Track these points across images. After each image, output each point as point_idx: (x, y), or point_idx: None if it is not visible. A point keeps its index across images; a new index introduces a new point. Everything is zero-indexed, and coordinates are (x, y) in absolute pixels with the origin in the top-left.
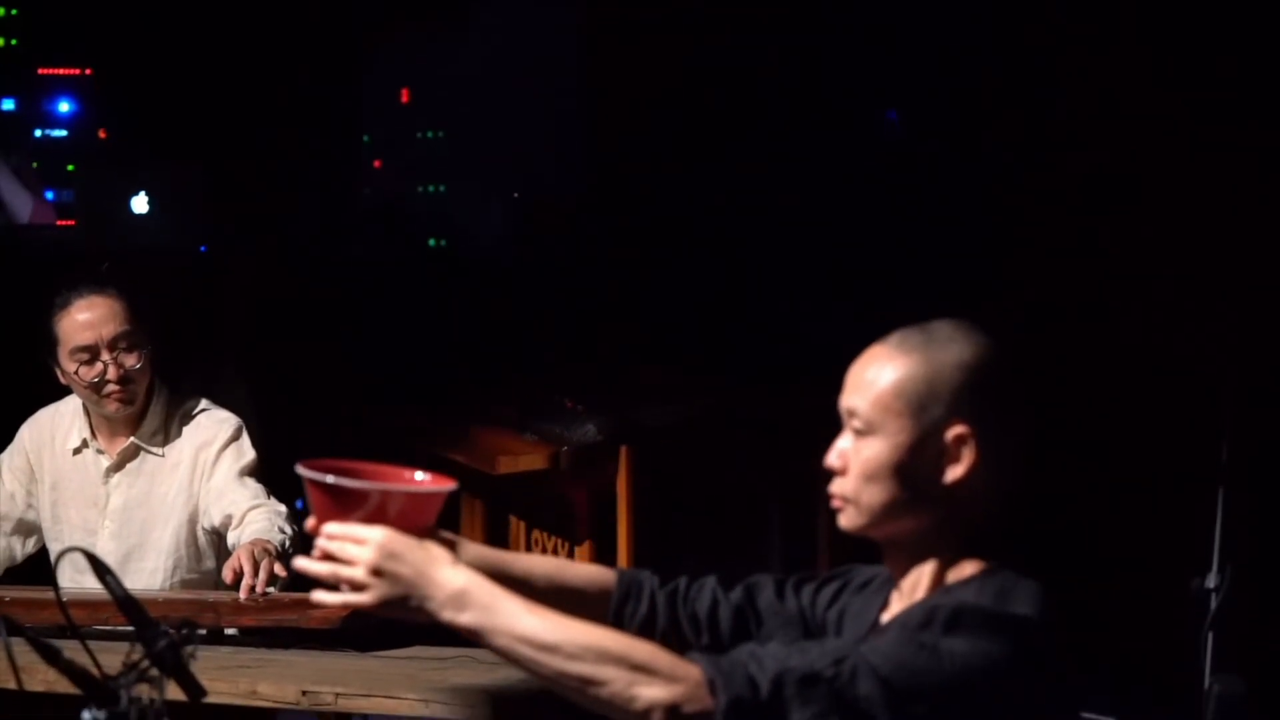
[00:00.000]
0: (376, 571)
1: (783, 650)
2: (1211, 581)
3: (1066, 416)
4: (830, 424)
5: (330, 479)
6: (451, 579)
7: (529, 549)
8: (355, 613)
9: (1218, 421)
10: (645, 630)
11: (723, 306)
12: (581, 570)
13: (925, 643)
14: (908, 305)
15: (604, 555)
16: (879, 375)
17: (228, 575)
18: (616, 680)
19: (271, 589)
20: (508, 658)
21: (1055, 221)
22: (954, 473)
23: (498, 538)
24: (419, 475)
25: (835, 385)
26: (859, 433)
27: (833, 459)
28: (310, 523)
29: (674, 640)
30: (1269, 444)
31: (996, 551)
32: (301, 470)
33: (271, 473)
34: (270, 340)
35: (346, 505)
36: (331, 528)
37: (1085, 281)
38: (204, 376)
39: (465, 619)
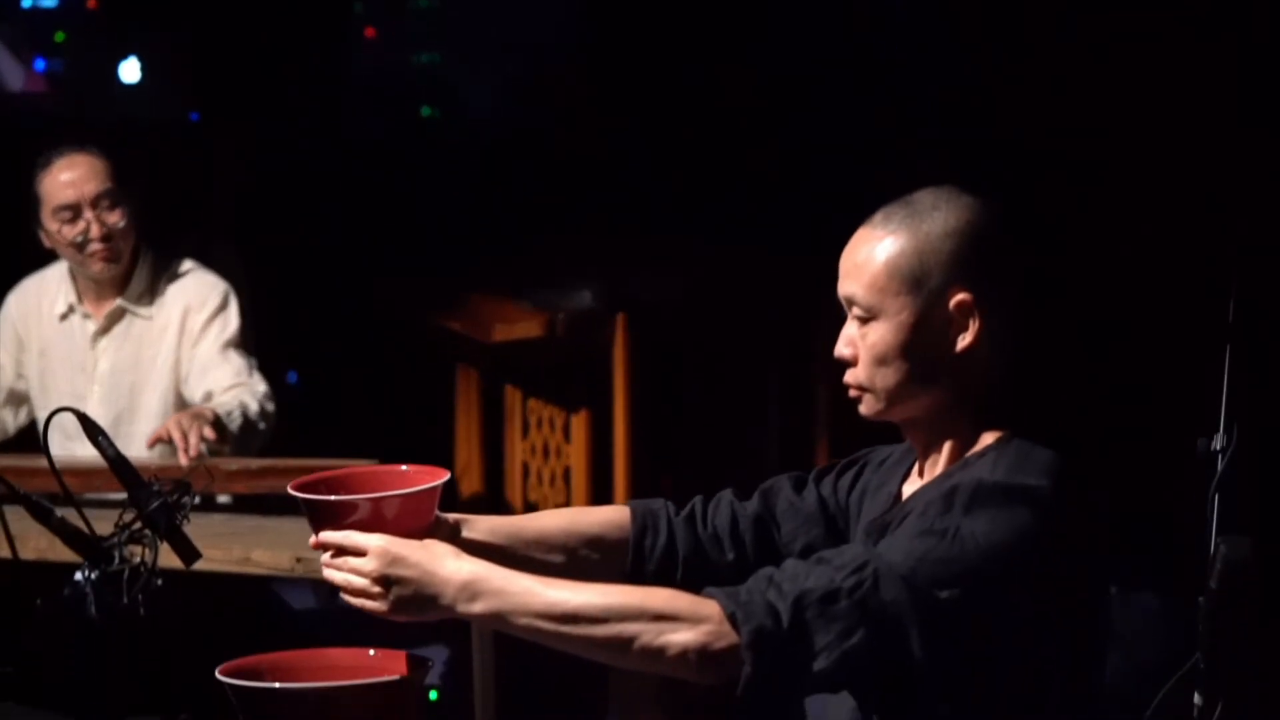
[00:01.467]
0: (382, 580)
1: (801, 569)
2: (1218, 443)
3: (1067, 278)
4: (829, 294)
5: (318, 498)
6: (457, 572)
7: (525, 418)
8: None
9: (1224, 280)
10: (668, 558)
11: (724, 176)
12: (596, 515)
13: (946, 529)
14: (909, 172)
15: (600, 424)
16: (869, 258)
17: (150, 441)
18: (643, 634)
19: (202, 457)
20: (532, 637)
21: (1055, 83)
22: (963, 341)
23: (493, 407)
24: (404, 468)
25: (834, 255)
26: (862, 319)
27: (842, 349)
28: (312, 540)
29: (697, 563)
30: (1277, 302)
31: (1011, 420)
32: (292, 491)
33: (261, 342)
34: (263, 210)
35: (341, 518)
36: (327, 536)
37: (1084, 137)
38: (196, 246)
39: (479, 608)
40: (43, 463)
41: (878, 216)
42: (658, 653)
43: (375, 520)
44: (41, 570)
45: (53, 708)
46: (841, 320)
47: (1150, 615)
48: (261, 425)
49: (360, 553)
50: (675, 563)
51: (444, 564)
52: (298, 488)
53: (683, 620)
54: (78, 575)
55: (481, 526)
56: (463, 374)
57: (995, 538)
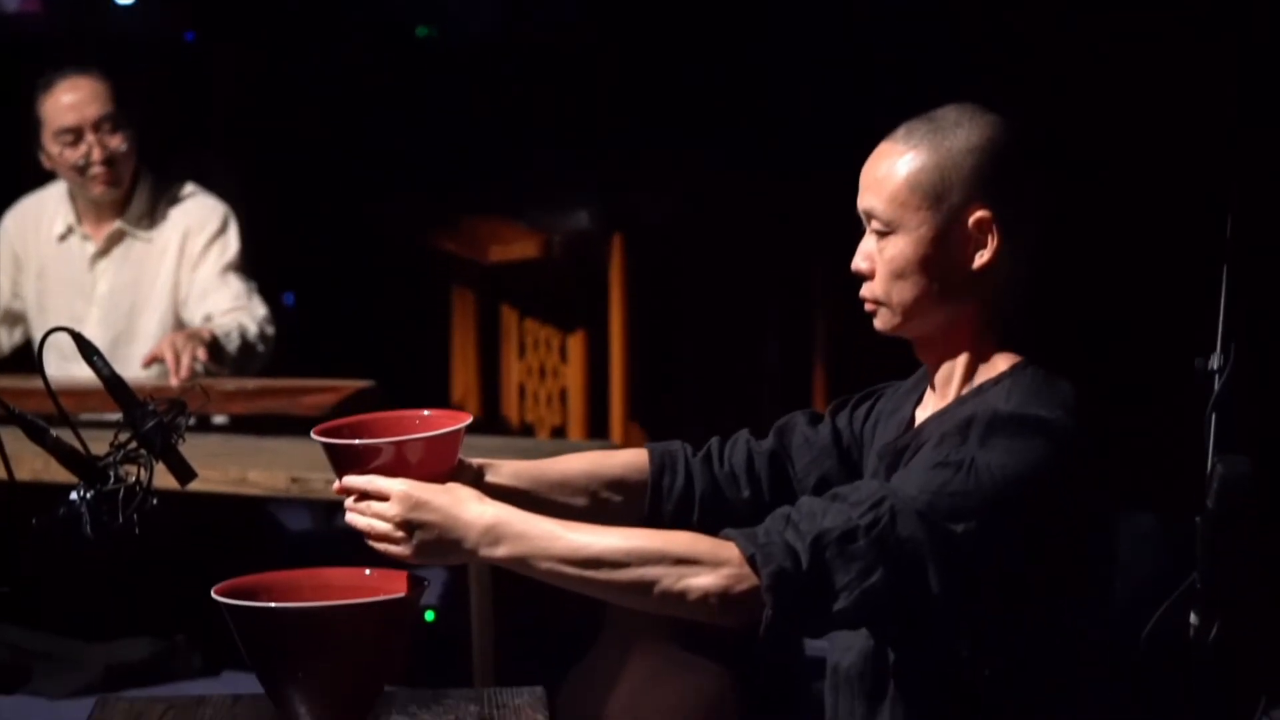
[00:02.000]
0: (405, 525)
1: (817, 506)
2: (1215, 362)
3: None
4: (829, 214)
5: (340, 441)
6: (480, 516)
7: (521, 339)
8: (343, 402)
9: (1222, 197)
10: (685, 498)
11: (722, 96)
12: (617, 458)
13: (961, 461)
14: (918, 95)
15: (596, 345)
16: (891, 171)
17: (144, 361)
18: (664, 578)
19: (195, 377)
20: (554, 581)
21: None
22: (981, 259)
23: (489, 328)
24: (426, 413)
25: (836, 177)
26: (880, 233)
27: (859, 263)
28: (335, 486)
29: (714, 502)
30: (1276, 220)
31: (1027, 346)
32: (315, 437)
33: (257, 263)
34: (258, 130)
35: (364, 463)
36: (350, 480)
37: (1081, 56)
38: (192, 167)
39: (501, 552)
40: (38, 383)
41: (900, 131)
42: (679, 597)
43: (398, 464)
44: (37, 491)
45: (49, 627)
46: (838, 239)
47: (1147, 535)
48: (260, 348)
49: (383, 497)
50: (693, 503)
51: (467, 508)
52: (320, 433)
53: (703, 564)
54: (73, 495)
55: (505, 471)
56: (459, 295)
57: (1010, 470)
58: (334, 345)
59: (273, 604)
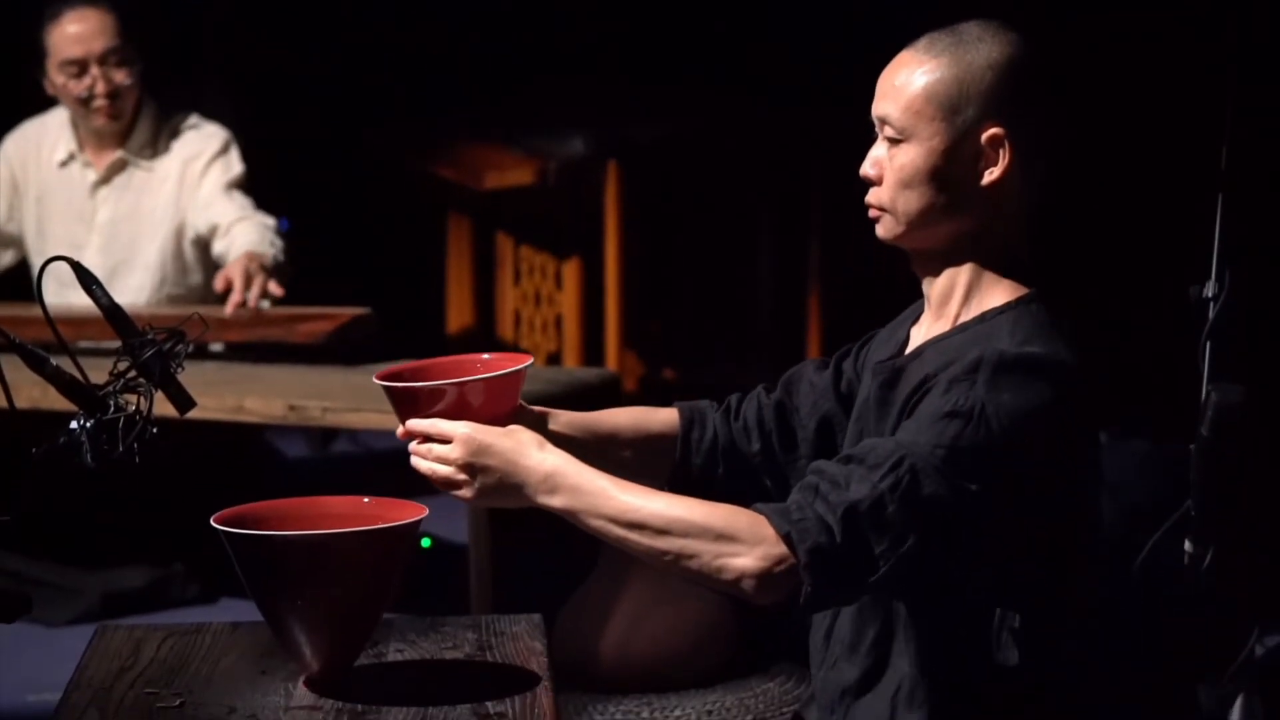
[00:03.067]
0: (467, 468)
1: (839, 474)
2: (1210, 290)
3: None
4: (826, 138)
5: (403, 385)
6: (541, 463)
7: (516, 266)
8: (339, 330)
9: (1217, 125)
10: (711, 452)
11: (718, 18)
12: (659, 415)
13: (972, 409)
14: (916, 19)
15: (591, 273)
16: (909, 80)
17: (219, 284)
18: (703, 553)
19: (266, 303)
20: (601, 536)
21: None
22: (990, 175)
23: (485, 255)
24: (487, 356)
25: (832, 101)
26: (892, 140)
27: (868, 168)
28: (399, 431)
29: (733, 455)
30: (1270, 149)
31: (1033, 278)
32: (378, 382)
33: (258, 187)
34: (253, 56)
35: (426, 406)
36: (414, 423)
37: None
38: (189, 89)
39: (556, 502)
40: (36, 311)
41: (922, 42)
42: (715, 572)
43: (461, 407)
44: (36, 419)
45: (49, 556)
46: (834, 164)
47: (1142, 462)
48: (286, 262)
49: (446, 440)
50: (717, 457)
51: (528, 454)
52: (382, 378)
53: (741, 542)
54: (73, 424)
55: (562, 420)
56: (454, 222)
57: (1020, 415)
58: (330, 271)
59: (272, 532)
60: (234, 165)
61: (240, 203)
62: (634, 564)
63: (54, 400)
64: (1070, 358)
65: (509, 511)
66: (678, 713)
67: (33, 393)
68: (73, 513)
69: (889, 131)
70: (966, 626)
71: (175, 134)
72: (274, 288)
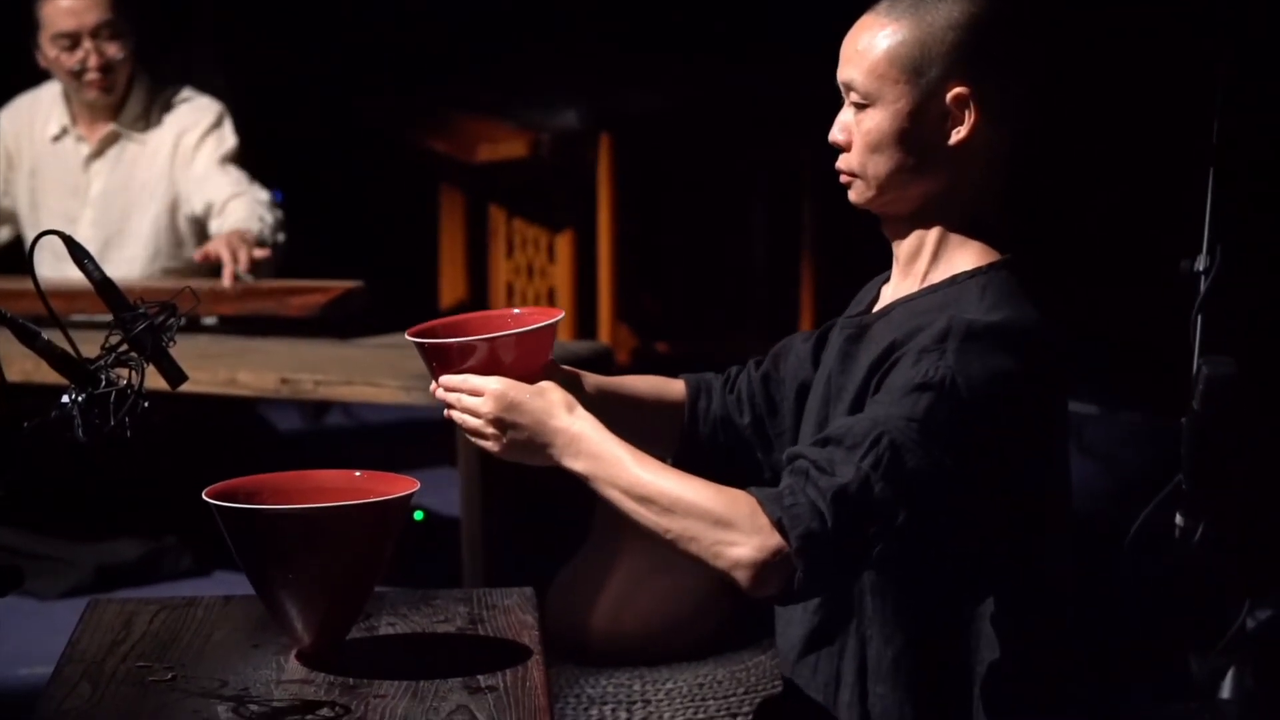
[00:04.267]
0: (497, 423)
1: (822, 457)
2: (1201, 263)
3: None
4: (819, 110)
5: (436, 340)
6: (568, 426)
7: (509, 238)
8: (331, 303)
9: (1209, 98)
10: (714, 423)
11: None
12: (676, 385)
13: (943, 380)
14: None
15: (584, 244)
16: (871, 44)
17: (198, 256)
18: (703, 537)
19: (251, 276)
20: (614, 506)
21: None
22: (958, 135)
23: (478, 227)
24: (517, 310)
25: (824, 69)
26: (859, 105)
27: (836, 134)
28: (432, 386)
29: (729, 426)
30: (1261, 123)
31: (1004, 243)
32: (409, 338)
33: (251, 160)
34: (246, 26)
35: (458, 362)
36: (447, 379)
37: None
38: (181, 61)
39: (577, 466)
40: (26, 284)
41: (883, 4)
42: (712, 559)
43: (492, 362)
44: (27, 392)
45: (41, 529)
46: (825, 134)
47: (1133, 436)
48: (280, 236)
49: (478, 394)
50: (717, 427)
51: (558, 415)
52: (414, 334)
53: (739, 530)
54: (65, 398)
55: (589, 383)
56: (447, 194)
57: (988, 384)
58: (322, 244)
59: (264, 506)
60: (227, 139)
61: (234, 177)
62: (625, 537)
63: (46, 374)
64: (1038, 325)
65: (501, 485)
66: (669, 685)
67: (25, 366)
68: (65, 486)
69: (855, 97)
70: (938, 601)
71: (168, 107)
72: (259, 252)
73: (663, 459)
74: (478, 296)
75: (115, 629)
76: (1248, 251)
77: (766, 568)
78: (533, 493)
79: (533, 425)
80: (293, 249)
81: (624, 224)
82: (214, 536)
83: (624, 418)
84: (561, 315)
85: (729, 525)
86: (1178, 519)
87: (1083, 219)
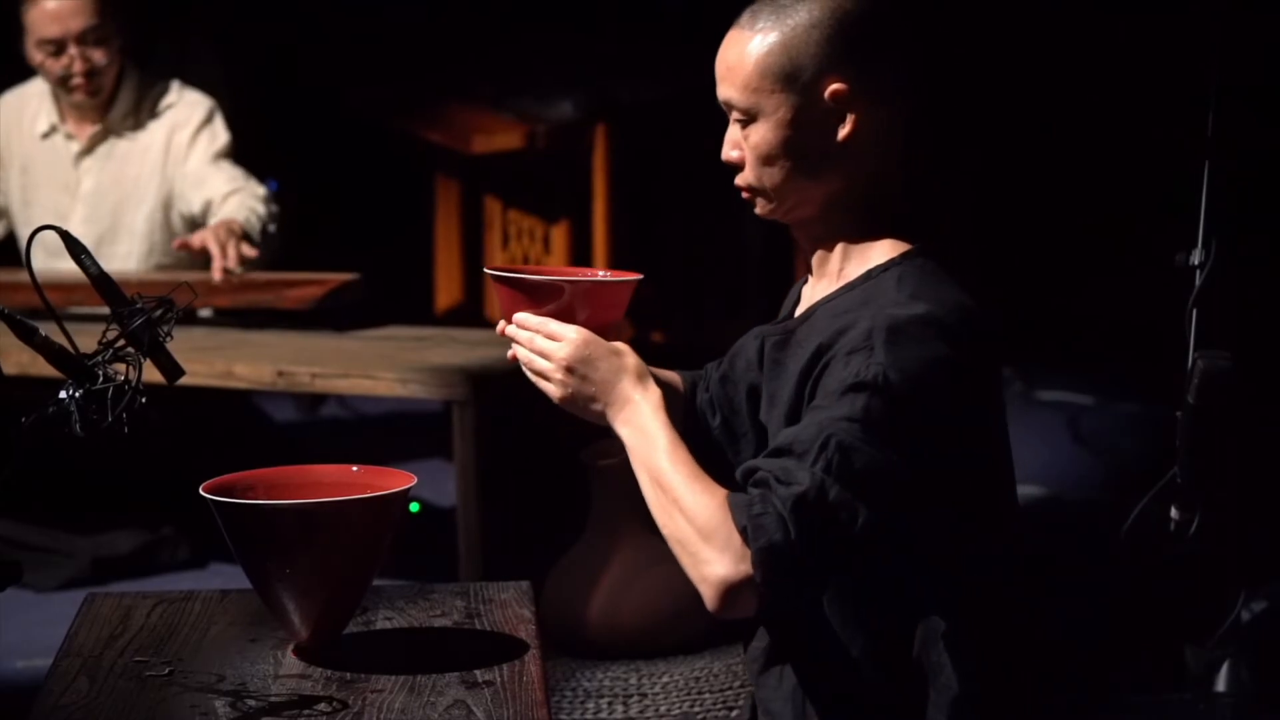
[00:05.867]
0: (569, 369)
1: (777, 467)
2: (1196, 257)
3: (1041, 89)
4: None
5: (519, 275)
6: (631, 393)
7: (505, 229)
8: (328, 295)
9: (1203, 93)
10: (701, 419)
11: None
12: (689, 376)
13: (876, 378)
14: None
15: (580, 235)
16: (741, 59)
17: (176, 244)
18: (687, 543)
19: (240, 269)
20: (640, 484)
21: None
22: (844, 130)
23: (473, 217)
24: (601, 273)
25: None
26: (743, 122)
27: (728, 152)
28: (500, 326)
29: (705, 428)
30: (1256, 114)
31: (916, 232)
32: (490, 272)
33: (246, 151)
34: (241, 16)
35: (539, 302)
36: (524, 317)
37: None
38: (176, 54)
39: (623, 433)
40: (20, 277)
41: (744, 16)
42: (689, 568)
43: (571, 307)
44: (22, 385)
45: (38, 521)
46: None
47: (1129, 429)
48: (273, 228)
49: (556, 339)
50: (705, 424)
51: (626, 381)
52: (496, 269)
53: (714, 548)
54: (62, 394)
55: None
56: (442, 184)
57: (920, 373)
58: (318, 233)
59: (262, 501)
60: (219, 135)
61: (229, 174)
62: (622, 531)
63: (42, 367)
64: (958, 307)
65: (496, 478)
66: (665, 679)
67: (21, 358)
68: (61, 478)
69: (736, 114)
70: (895, 596)
71: (158, 103)
72: (247, 249)
73: None
74: (473, 288)
75: (113, 623)
76: (1242, 245)
77: (731, 591)
78: (528, 486)
79: (601, 383)
80: (288, 241)
81: (619, 214)
82: (210, 528)
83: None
84: (640, 277)
85: (708, 538)
86: (1173, 511)
87: (1074, 213)
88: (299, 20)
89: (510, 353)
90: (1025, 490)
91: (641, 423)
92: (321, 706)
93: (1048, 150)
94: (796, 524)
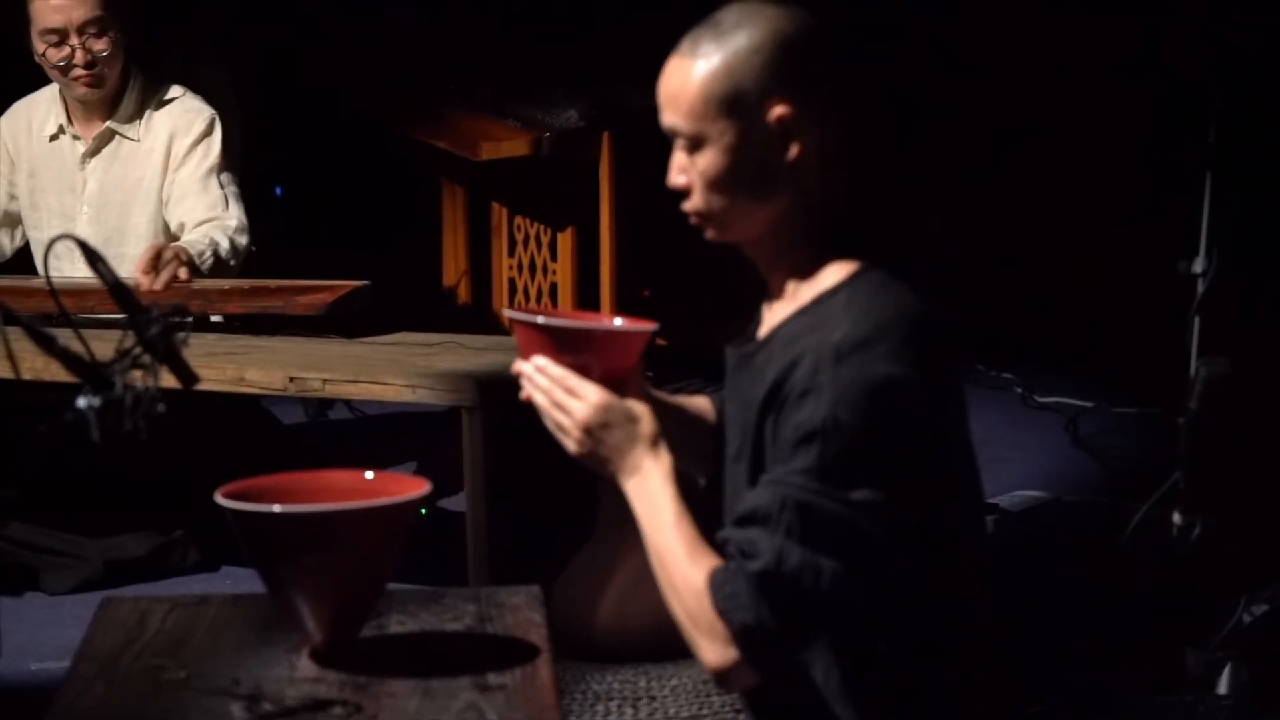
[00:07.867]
0: (586, 430)
1: (743, 540)
2: (1198, 265)
3: (1043, 93)
4: None
5: (540, 319)
6: (640, 461)
7: (511, 235)
8: (338, 301)
9: (1205, 103)
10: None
11: None
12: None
13: (825, 424)
14: None
15: (586, 242)
16: (683, 86)
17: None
18: (684, 627)
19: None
20: (648, 555)
21: None
22: (791, 151)
23: (480, 224)
24: (618, 321)
25: None
26: (688, 148)
27: (675, 178)
28: (517, 364)
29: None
30: (1256, 126)
31: (863, 250)
32: (510, 314)
33: (248, 156)
34: (249, 23)
35: (557, 346)
36: (546, 366)
37: None
38: (183, 60)
39: (633, 501)
40: (35, 282)
41: (685, 43)
42: (692, 650)
43: (588, 354)
44: (38, 390)
45: (51, 524)
46: None
47: (1128, 432)
48: (232, 262)
49: (576, 397)
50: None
51: (640, 449)
52: (516, 310)
53: (702, 634)
54: (80, 401)
55: (666, 402)
56: (449, 191)
57: (869, 402)
58: (324, 239)
59: (278, 508)
60: (213, 150)
61: (213, 198)
62: (630, 534)
63: (56, 372)
64: (902, 317)
65: (505, 482)
66: (674, 682)
67: (35, 364)
68: (73, 481)
69: (681, 141)
70: (881, 611)
71: (162, 106)
72: (182, 273)
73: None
74: (480, 293)
75: (129, 627)
76: (1244, 254)
77: (726, 675)
78: (536, 490)
79: (614, 448)
80: (294, 241)
81: (625, 221)
82: (222, 532)
83: (689, 425)
84: (656, 326)
85: (696, 625)
86: (1175, 516)
87: (1079, 224)
88: (307, 27)
89: (524, 394)
90: (1025, 492)
91: (650, 492)
92: (336, 710)
93: (1051, 156)
94: (766, 599)
